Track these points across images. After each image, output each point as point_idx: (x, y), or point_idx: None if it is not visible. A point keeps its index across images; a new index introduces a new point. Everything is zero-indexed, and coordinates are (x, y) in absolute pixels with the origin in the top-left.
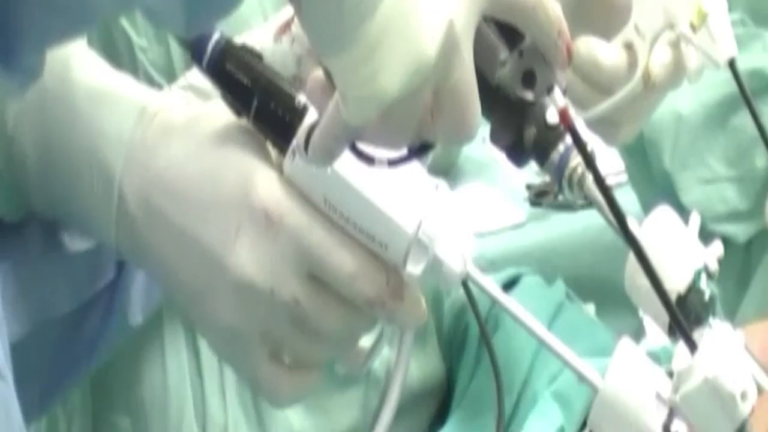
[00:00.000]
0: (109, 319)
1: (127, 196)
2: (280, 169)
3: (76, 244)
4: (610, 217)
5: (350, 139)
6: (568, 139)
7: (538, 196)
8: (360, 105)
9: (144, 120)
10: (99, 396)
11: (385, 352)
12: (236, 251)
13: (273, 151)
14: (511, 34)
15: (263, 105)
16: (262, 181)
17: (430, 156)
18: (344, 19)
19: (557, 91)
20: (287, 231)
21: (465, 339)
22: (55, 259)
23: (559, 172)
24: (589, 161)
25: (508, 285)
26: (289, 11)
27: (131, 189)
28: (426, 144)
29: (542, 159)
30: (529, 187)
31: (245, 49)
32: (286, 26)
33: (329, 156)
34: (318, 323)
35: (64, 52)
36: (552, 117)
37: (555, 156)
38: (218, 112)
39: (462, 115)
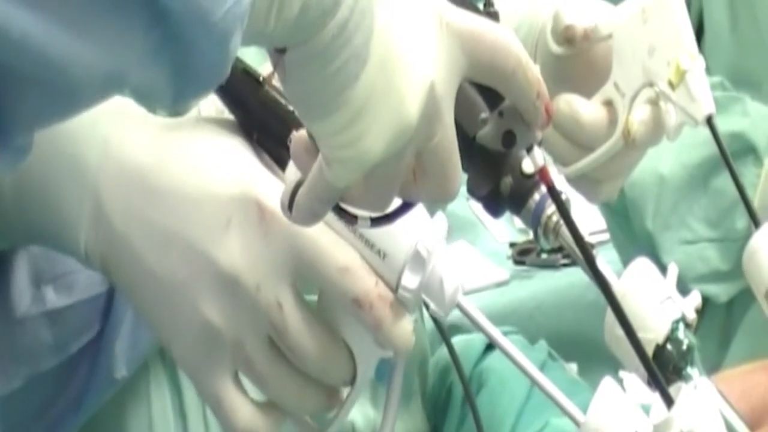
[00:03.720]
0: (95, 374)
1: (102, 196)
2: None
3: (62, 299)
4: (583, 260)
5: (334, 200)
6: (544, 187)
7: (522, 255)
8: (344, 167)
9: (121, 119)
10: None
11: (371, 413)
12: (225, 244)
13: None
14: (491, 94)
15: (265, 119)
16: (259, 177)
17: None
18: (328, 86)
19: (536, 150)
20: (279, 227)
21: (449, 398)
22: (40, 315)
23: (535, 220)
24: (563, 209)
25: (492, 344)
26: (269, 65)
27: (107, 187)
28: (409, 203)
29: (519, 208)
30: (512, 245)
31: (249, 68)
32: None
33: (314, 217)
34: (294, 341)
35: None
36: (527, 166)
37: (531, 204)
38: (204, 112)
39: (443, 176)
